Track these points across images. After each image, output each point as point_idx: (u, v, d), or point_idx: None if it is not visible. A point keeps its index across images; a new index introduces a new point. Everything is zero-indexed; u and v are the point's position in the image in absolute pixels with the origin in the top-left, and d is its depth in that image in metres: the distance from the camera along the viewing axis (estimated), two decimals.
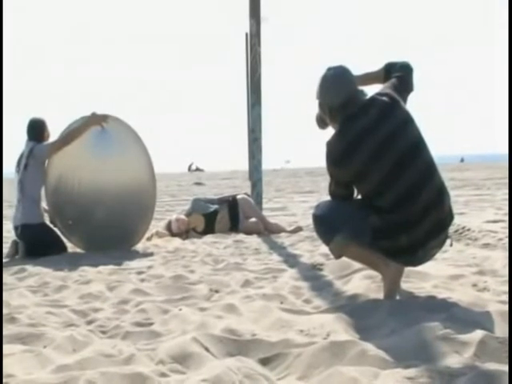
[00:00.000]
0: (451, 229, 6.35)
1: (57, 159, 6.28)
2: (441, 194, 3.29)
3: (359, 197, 3.42)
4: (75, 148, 6.23)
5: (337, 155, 3.30)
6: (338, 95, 3.33)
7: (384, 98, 3.32)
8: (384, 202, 3.25)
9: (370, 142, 3.23)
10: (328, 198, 3.58)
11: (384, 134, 3.23)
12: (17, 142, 6.54)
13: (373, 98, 3.36)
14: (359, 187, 3.34)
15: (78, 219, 6.30)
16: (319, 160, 3.53)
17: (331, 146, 3.34)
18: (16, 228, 6.14)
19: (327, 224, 3.41)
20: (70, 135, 6.22)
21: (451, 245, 3.46)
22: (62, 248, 6.19)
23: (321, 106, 3.44)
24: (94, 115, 6.26)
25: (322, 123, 3.60)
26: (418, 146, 3.30)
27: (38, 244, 5.98)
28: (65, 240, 6.36)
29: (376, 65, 3.65)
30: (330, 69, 3.40)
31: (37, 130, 6.27)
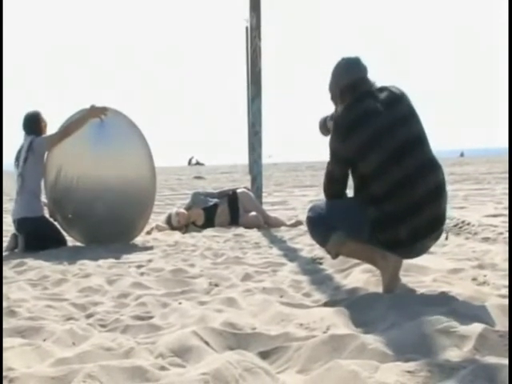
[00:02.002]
0: (450, 223, 6.36)
1: (56, 153, 6.27)
2: (439, 191, 3.29)
3: (352, 194, 3.42)
4: (74, 141, 6.21)
5: (344, 127, 3.33)
6: (349, 75, 3.42)
7: (394, 89, 3.40)
8: (378, 189, 3.24)
9: (375, 123, 3.28)
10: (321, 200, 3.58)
11: (388, 120, 3.28)
12: (15, 136, 6.54)
13: (383, 87, 3.43)
14: (357, 168, 3.32)
15: (78, 213, 6.29)
16: (320, 154, 3.54)
17: (339, 119, 3.39)
18: (15, 221, 6.13)
19: (322, 225, 3.41)
20: (69, 127, 6.22)
21: (446, 238, 3.46)
22: (62, 241, 6.19)
23: (332, 92, 3.51)
24: (92, 107, 6.24)
25: (325, 130, 3.66)
26: (420, 140, 3.33)
27: (37, 237, 5.98)
28: (64, 234, 6.36)
29: (377, 61, 3.65)
30: (343, 58, 3.51)
31: (33, 123, 6.26)
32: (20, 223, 6.07)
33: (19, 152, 6.23)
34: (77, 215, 6.30)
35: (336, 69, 3.50)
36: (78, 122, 6.22)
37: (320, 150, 3.52)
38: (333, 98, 3.55)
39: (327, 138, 3.52)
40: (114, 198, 6.27)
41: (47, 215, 6.34)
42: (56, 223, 6.32)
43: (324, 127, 3.72)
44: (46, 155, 6.25)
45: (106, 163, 6.26)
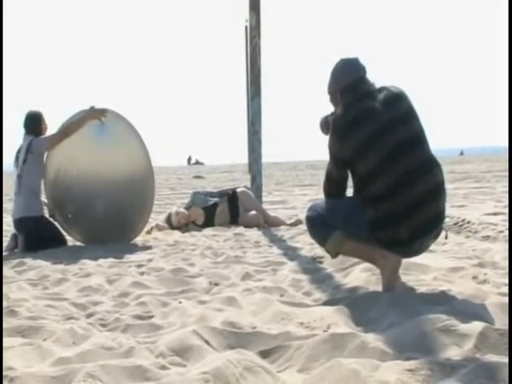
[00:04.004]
0: (450, 221, 6.36)
1: (56, 153, 6.29)
2: (438, 189, 3.28)
3: (351, 195, 3.42)
4: (74, 142, 6.23)
5: (342, 127, 3.32)
6: (348, 76, 3.40)
7: (393, 89, 3.39)
8: (377, 188, 3.23)
9: (374, 122, 3.27)
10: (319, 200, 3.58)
11: (388, 119, 3.27)
12: (15, 134, 6.54)
13: (382, 87, 3.42)
14: (356, 168, 3.31)
15: (78, 213, 6.31)
16: (319, 153, 3.54)
17: (338, 119, 3.38)
18: (15, 221, 6.13)
19: (322, 224, 3.41)
20: (69, 128, 6.23)
21: (446, 237, 3.46)
22: (62, 241, 6.19)
23: (332, 93, 3.48)
24: (92, 109, 6.26)
25: (326, 128, 3.64)
26: (418, 138, 3.32)
27: (37, 237, 5.98)
28: (64, 233, 6.36)
29: (376, 60, 3.65)
30: (341, 59, 3.49)
31: (34, 123, 6.26)
32: (19, 223, 6.07)
33: (18, 152, 6.24)
34: (77, 215, 6.31)
35: (335, 70, 3.47)
36: (77, 123, 6.23)
37: (320, 148, 3.52)
38: (332, 100, 3.52)
39: (328, 137, 3.51)
40: (114, 198, 6.29)
41: (47, 215, 6.34)
42: (56, 223, 6.32)
43: (325, 126, 3.71)
44: (45, 155, 6.25)
45: (105, 164, 6.31)
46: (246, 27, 10.96)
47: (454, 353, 2.24)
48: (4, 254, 5.87)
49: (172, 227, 7.39)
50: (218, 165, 40.70)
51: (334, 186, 3.46)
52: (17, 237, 6.10)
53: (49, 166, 6.31)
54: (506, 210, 7.22)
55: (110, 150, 6.30)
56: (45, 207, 6.34)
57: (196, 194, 7.97)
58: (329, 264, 4.33)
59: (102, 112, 6.25)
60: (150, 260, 5.08)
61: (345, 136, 3.30)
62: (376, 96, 3.34)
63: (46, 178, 6.31)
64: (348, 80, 3.39)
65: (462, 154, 47.99)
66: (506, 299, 2.91)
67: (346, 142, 3.29)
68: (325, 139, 3.55)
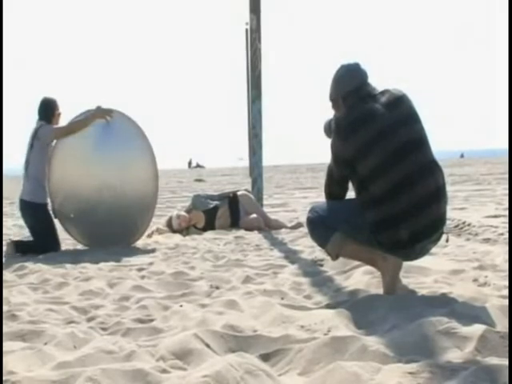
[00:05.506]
0: (451, 223, 6.36)
1: (60, 154, 6.29)
2: (439, 193, 3.29)
3: (353, 196, 3.42)
4: (79, 142, 6.24)
5: (346, 126, 3.32)
6: (351, 82, 3.40)
7: (395, 91, 3.39)
8: (378, 189, 3.23)
9: (376, 123, 3.27)
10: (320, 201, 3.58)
11: (390, 121, 3.27)
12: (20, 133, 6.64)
13: (385, 89, 3.42)
14: (357, 169, 3.30)
15: (80, 215, 6.29)
16: (320, 156, 3.55)
17: (340, 119, 3.38)
18: (22, 200, 6.23)
19: (322, 225, 3.41)
20: (75, 124, 6.28)
21: (447, 241, 3.46)
22: (56, 243, 6.19)
23: (334, 100, 3.48)
24: (99, 109, 6.28)
25: (330, 132, 3.65)
26: (421, 141, 3.32)
27: (36, 223, 6.11)
28: (66, 235, 6.36)
29: (376, 63, 3.66)
30: (342, 65, 3.48)
31: (46, 110, 6.31)
32: (24, 204, 6.19)
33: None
34: (79, 217, 6.29)
35: (336, 77, 3.47)
36: (84, 121, 6.29)
37: (320, 151, 3.53)
38: (334, 106, 3.51)
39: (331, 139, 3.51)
40: (116, 201, 6.27)
41: (49, 207, 6.36)
42: (56, 221, 6.33)
43: (329, 130, 3.71)
44: (52, 144, 6.27)
45: (109, 166, 6.28)
46: (247, 30, 10.97)
47: (454, 355, 2.24)
48: (4, 259, 5.87)
49: (173, 230, 7.40)
50: (218, 168, 40.72)
51: (335, 185, 3.46)
52: (13, 242, 6.13)
53: (53, 166, 6.28)
54: (507, 213, 7.22)
55: (115, 153, 6.28)
56: (48, 199, 6.37)
57: (197, 197, 7.96)
58: (329, 267, 4.33)
59: (109, 112, 6.28)
60: (150, 263, 5.07)
61: (347, 136, 3.30)
62: (378, 98, 3.34)
63: (51, 179, 6.29)
64: (350, 86, 3.39)
65: (462, 156, 48.00)
66: (507, 302, 2.91)
67: (348, 142, 3.30)
68: (326, 142, 3.55)
